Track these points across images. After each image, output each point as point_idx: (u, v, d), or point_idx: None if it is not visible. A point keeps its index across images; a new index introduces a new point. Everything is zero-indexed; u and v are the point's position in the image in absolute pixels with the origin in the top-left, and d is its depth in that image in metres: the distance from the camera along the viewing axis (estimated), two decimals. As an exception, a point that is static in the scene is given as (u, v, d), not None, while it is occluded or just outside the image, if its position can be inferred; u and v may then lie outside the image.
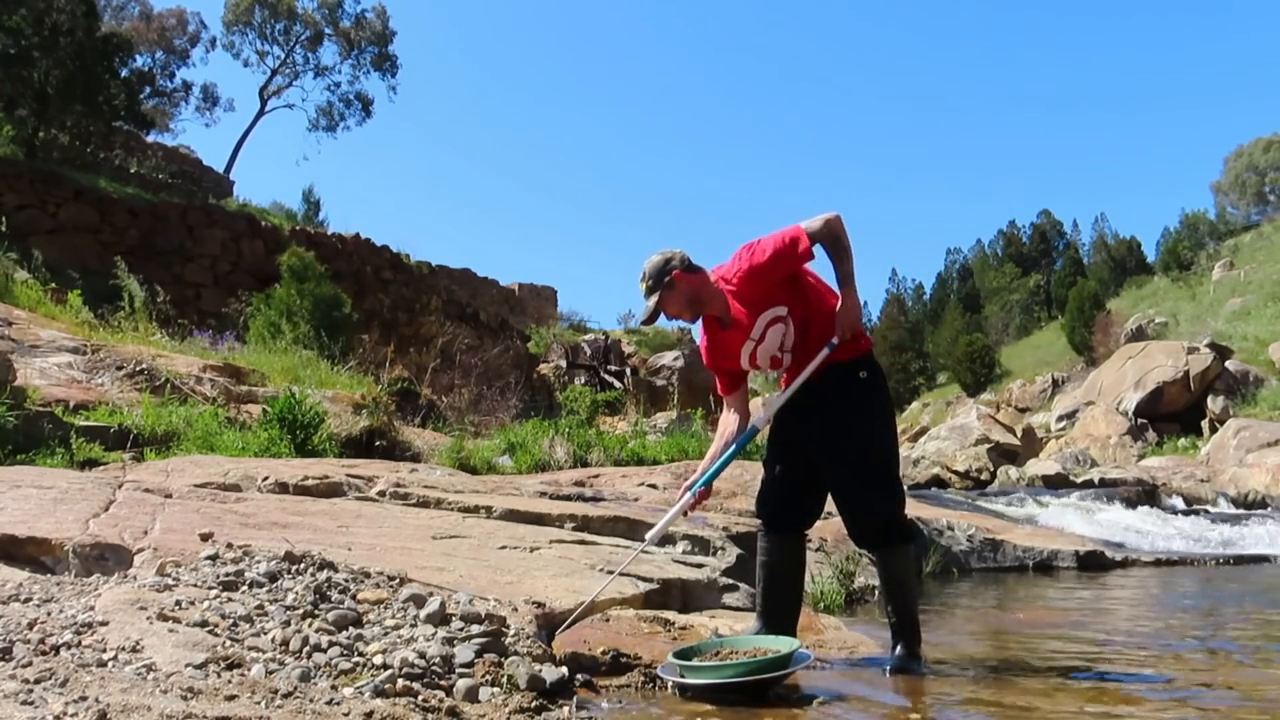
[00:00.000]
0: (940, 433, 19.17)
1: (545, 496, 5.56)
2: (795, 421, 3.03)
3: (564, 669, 2.42)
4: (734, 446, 3.06)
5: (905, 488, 3.10)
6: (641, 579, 3.56)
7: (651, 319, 3.06)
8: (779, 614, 3.05)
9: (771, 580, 3.07)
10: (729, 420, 3.17)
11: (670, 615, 3.31)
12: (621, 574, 3.33)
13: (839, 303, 2.95)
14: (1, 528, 3.03)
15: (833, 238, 2.91)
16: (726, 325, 3.04)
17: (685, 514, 3.20)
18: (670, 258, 2.97)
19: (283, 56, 33.16)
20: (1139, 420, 19.29)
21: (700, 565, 4.08)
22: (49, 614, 2.27)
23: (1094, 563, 6.48)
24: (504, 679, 2.25)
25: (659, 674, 2.67)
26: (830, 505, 3.09)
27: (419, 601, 2.59)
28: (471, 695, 2.14)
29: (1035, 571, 6.31)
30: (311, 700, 1.93)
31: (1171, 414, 19.40)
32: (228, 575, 2.65)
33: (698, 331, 3.22)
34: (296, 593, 2.55)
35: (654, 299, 2.96)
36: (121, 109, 17.30)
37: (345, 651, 2.23)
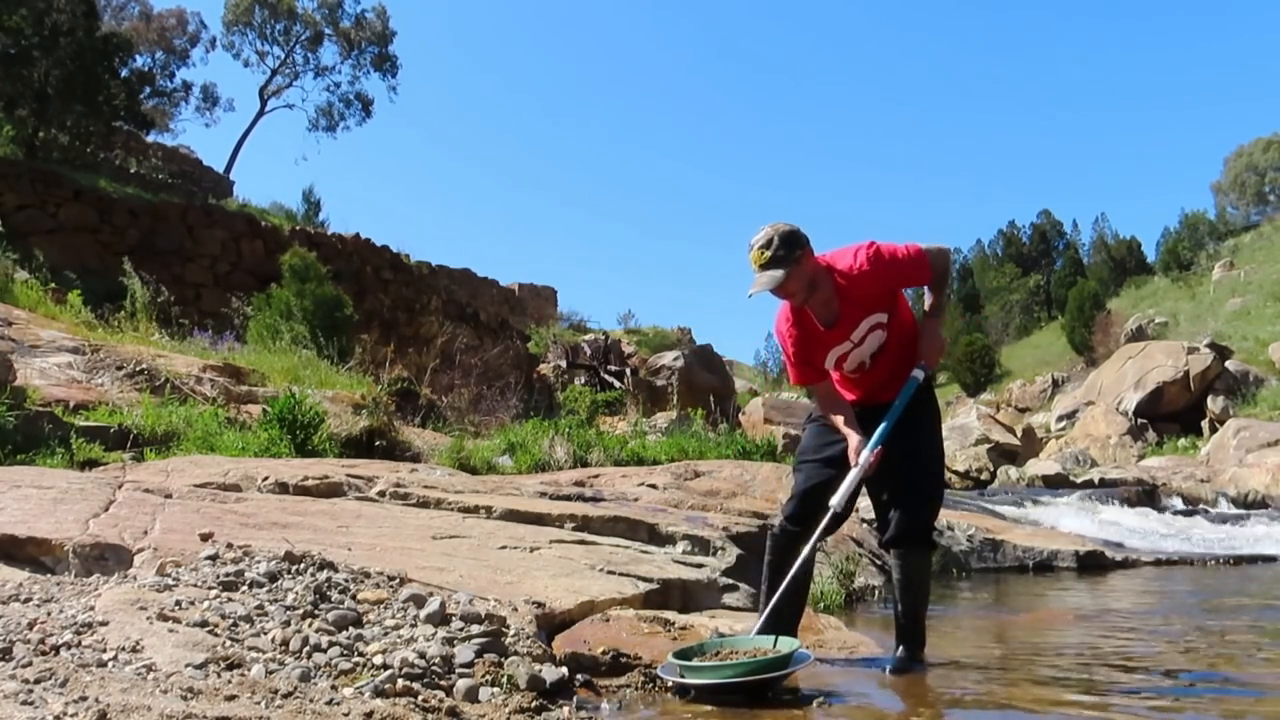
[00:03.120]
0: (940, 433, 19.16)
1: (545, 496, 5.56)
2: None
3: (564, 669, 2.42)
4: (901, 397, 2.88)
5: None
6: (641, 579, 3.56)
7: (761, 290, 2.78)
8: (787, 615, 3.01)
9: (783, 579, 3.01)
10: (835, 402, 2.99)
11: (670, 615, 3.30)
12: (622, 574, 3.33)
13: (925, 330, 2.96)
14: (1, 528, 3.04)
15: (944, 269, 2.95)
16: (829, 324, 2.92)
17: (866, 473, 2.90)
18: (799, 230, 2.81)
19: (283, 56, 33.14)
20: (1139, 420, 19.30)
21: (700, 565, 4.08)
22: (49, 614, 2.27)
23: (1094, 563, 6.48)
24: (504, 679, 2.25)
25: (659, 674, 2.67)
26: None
27: (419, 601, 2.59)
28: (471, 695, 2.14)
29: (1035, 571, 6.31)
30: (311, 700, 1.93)
31: (1171, 414, 19.41)
32: (228, 575, 2.65)
33: (778, 320, 3.03)
34: (296, 593, 2.55)
35: (781, 271, 2.75)
36: (121, 109, 17.29)
37: (345, 651, 2.23)
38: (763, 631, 2.93)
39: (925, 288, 3.02)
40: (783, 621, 2.98)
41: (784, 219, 2.83)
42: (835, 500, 2.85)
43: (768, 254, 2.76)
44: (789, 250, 2.76)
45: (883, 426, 2.87)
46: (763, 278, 2.78)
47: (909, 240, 2.95)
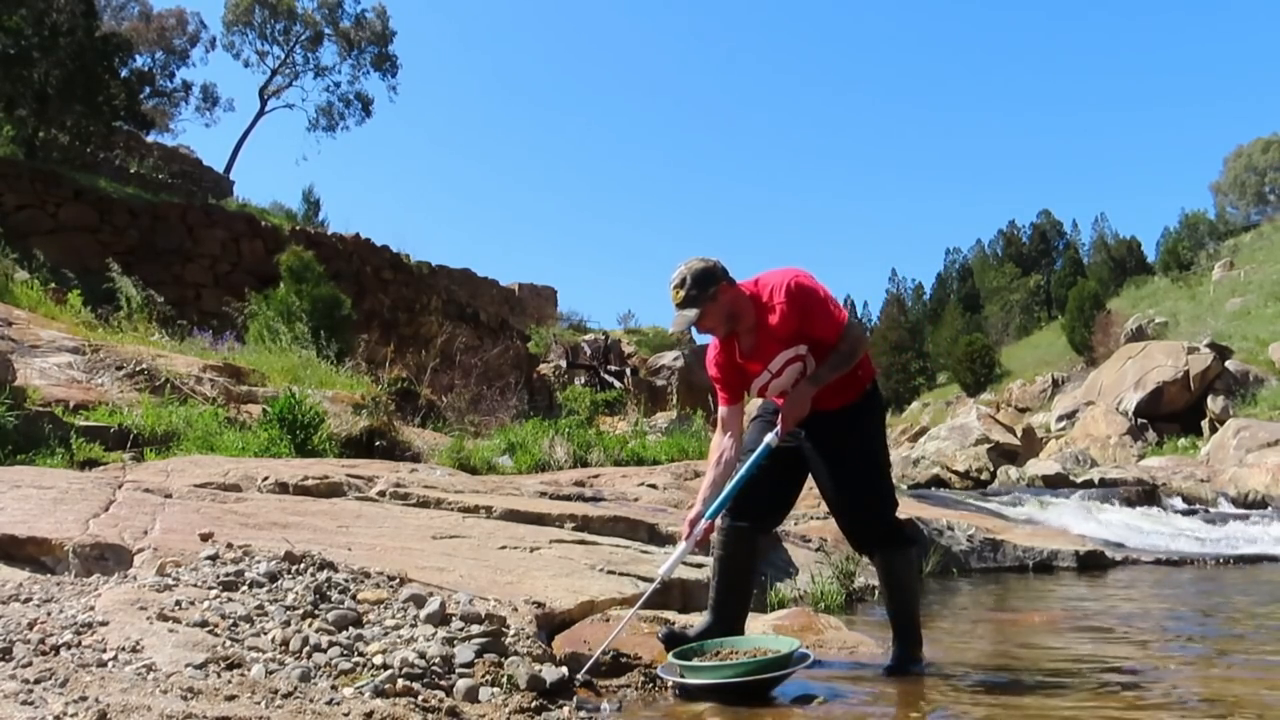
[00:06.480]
0: (940, 433, 19.17)
1: (545, 496, 5.56)
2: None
3: (564, 669, 2.42)
4: (744, 470, 2.88)
5: (896, 491, 3.11)
6: (642, 579, 3.56)
7: (679, 329, 2.87)
8: (733, 610, 3.00)
9: (733, 575, 2.99)
10: (723, 443, 3.00)
11: (670, 615, 3.31)
12: (622, 574, 3.33)
13: (793, 393, 2.85)
14: (1, 528, 3.03)
15: (849, 351, 2.86)
16: (748, 354, 2.92)
17: (695, 549, 2.99)
18: (714, 265, 2.81)
19: (283, 56, 33.14)
20: (1139, 420, 19.28)
21: (700, 565, 4.07)
22: (49, 614, 2.27)
23: (1094, 563, 6.47)
24: (504, 679, 2.25)
25: (659, 674, 2.67)
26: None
27: (419, 601, 2.59)
28: (471, 695, 2.14)
29: (1035, 571, 6.31)
30: (311, 700, 1.93)
31: (1171, 414, 19.39)
32: (228, 575, 2.65)
33: (709, 345, 3.06)
34: (296, 593, 2.55)
35: (695, 310, 2.77)
36: (121, 109, 17.28)
37: (345, 651, 2.23)
38: (711, 627, 2.93)
39: (829, 355, 2.86)
40: (727, 618, 2.97)
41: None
42: (663, 570, 2.95)
43: (681, 293, 2.79)
44: (701, 289, 2.78)
45: (721, 498, 2.86)
46: (679, 317, 2.82)
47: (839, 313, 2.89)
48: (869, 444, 2.97)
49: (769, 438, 2.88)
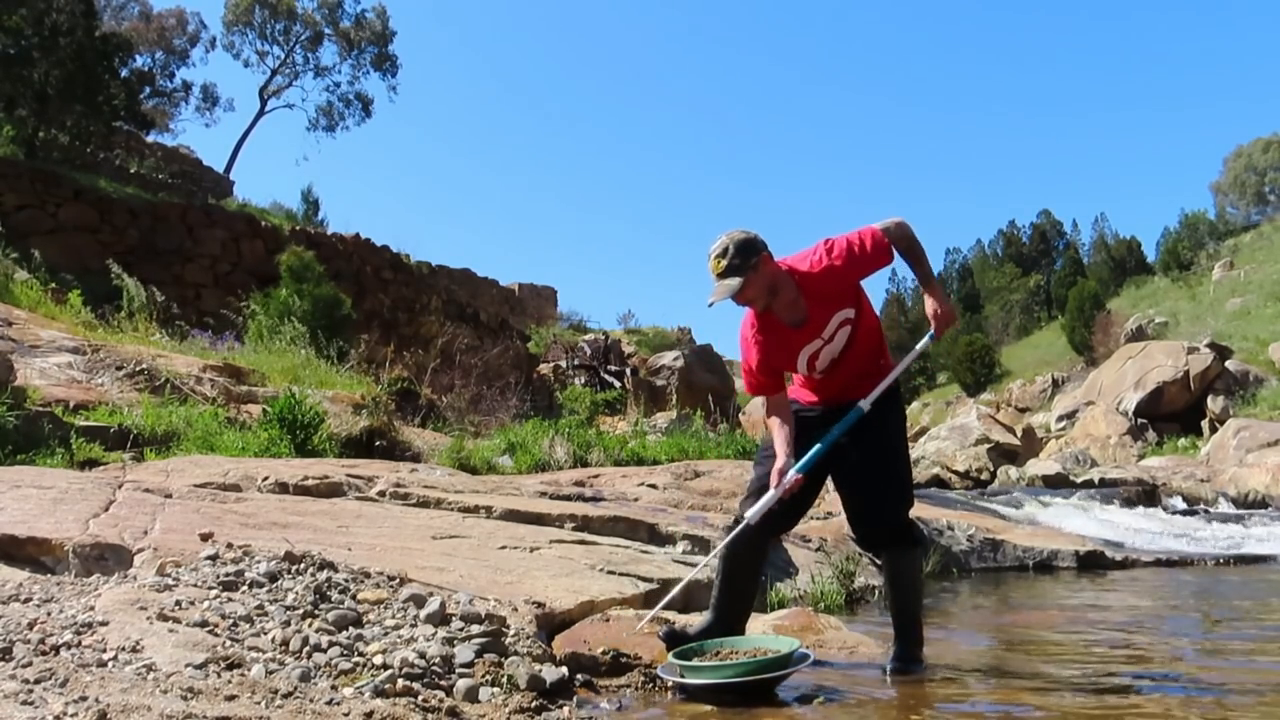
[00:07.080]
0: (940, 433, 19.16)
1: (545, 496, 5.56)
2: (821, 428, 2.94)
3: (564, 669, 2.42)
4: (834, 432, 2.85)
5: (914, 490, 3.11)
6: (642, 579, 3.56)
7: (720, 299, 2.78)
8: (737, 612, 3.00)
9: (739, 578, 2.98)
10: (782, 415, 2.94)
11: (670, 615, 3.30)
12: (622, 574, 3.32)
13: (934, 301, 2.91)
14: (1, 528, 3.04)
15: (907, 238, 2.90)
16: (798, 324, 2.89)
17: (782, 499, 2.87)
18: (755, 237, 2.80)
19: (283, 56, 33.15)
20: (1139, 420, 19.29)
21: (699, 565, 4.07)
22: (49, 614, 2.27)
23: (1094, 562, 6.47)
24: (504, 679, 2.26)
25: (659, 674, 2.67)
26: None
27: (419, 601, 2.59)
28: (471, 695, 2.14)
29: (1035, 571, 6.31)
30: (311, 700, 1.93)
31: (1171, 414, 19.40)
32: (228, 575, 2.65)
33: (743, 328, 3.01)
34: (296, 593, 2.56)
35: (738, 280, 2.73)
36: (121, 109, 17.27)
37: (345, 651, 2.23)
38: (711, 626, 2.93)
39: (908, 263, 2.96)
40: (728, 618, 2.97)
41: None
42: (750, 514, 2.86)
43: (724, 263, 2.76)
44: (744, 258, 2.75)
45: (814, 449, 2.85)
46: (720, 286, 2.78)
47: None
48: (891, 439, 2.98)
49: (861, 403, 2.87)
